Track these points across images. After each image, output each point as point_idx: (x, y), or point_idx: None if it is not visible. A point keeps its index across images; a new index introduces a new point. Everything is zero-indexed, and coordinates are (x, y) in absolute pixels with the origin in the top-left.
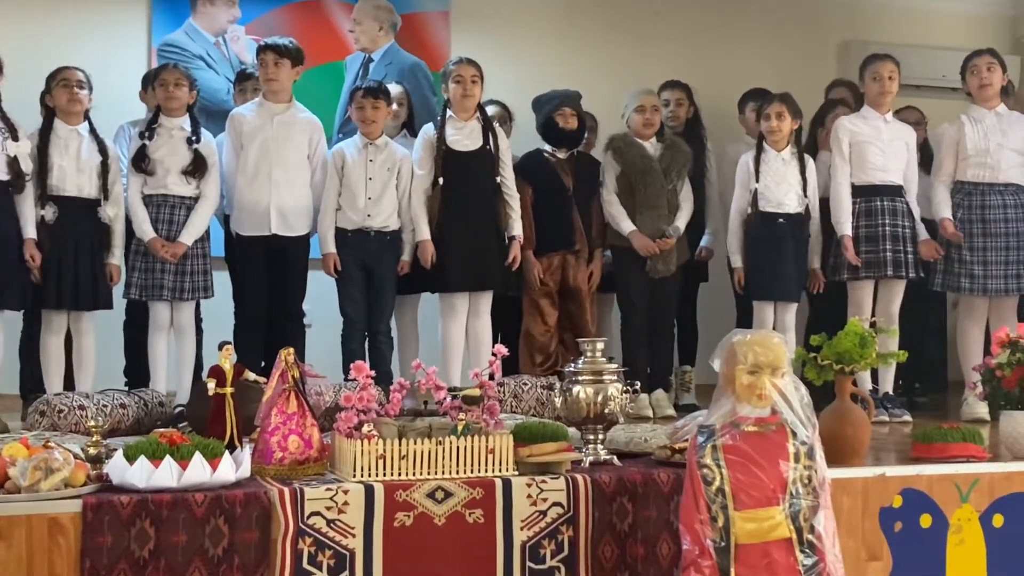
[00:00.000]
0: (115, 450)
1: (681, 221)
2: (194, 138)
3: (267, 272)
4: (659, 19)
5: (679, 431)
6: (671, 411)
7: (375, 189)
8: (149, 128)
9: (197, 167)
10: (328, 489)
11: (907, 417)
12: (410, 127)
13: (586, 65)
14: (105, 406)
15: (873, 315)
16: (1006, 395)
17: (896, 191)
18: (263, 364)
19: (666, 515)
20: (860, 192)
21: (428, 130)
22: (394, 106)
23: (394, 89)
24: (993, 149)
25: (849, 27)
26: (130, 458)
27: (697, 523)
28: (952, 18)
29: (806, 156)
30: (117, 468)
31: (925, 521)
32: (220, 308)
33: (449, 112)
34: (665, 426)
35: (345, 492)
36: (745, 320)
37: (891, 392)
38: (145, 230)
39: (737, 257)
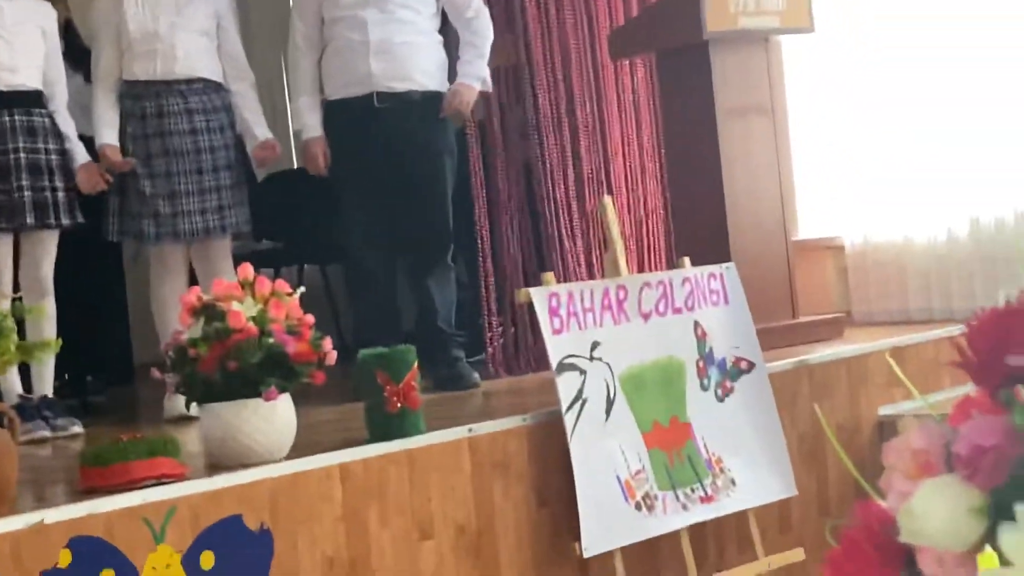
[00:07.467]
0: None
1: None
2: None
3: None
4: None
5: None
6: None
7: None
8: None
9: None
10: None
11: (78, 429)
12: None
13: None
14: None
15: (16, 288)
16: (205, 381)
17: (33, 100)
18: None
19: None
20: None
21: None
22: None
23: None
24: (165, 32)
25: None
26: None
27: None
28: None
29: None
30: None
31: None
32: None
33: None
34: None
35: None
36: None
37: (52, 395)
38: None
39: None
